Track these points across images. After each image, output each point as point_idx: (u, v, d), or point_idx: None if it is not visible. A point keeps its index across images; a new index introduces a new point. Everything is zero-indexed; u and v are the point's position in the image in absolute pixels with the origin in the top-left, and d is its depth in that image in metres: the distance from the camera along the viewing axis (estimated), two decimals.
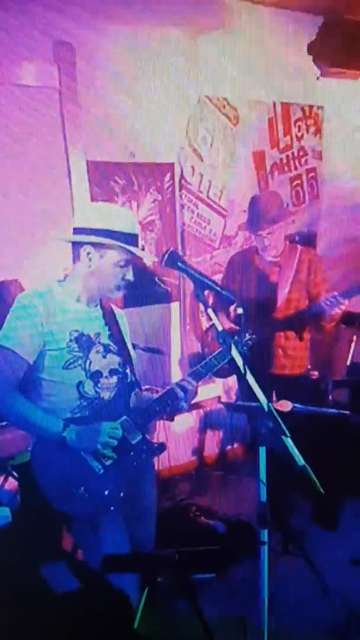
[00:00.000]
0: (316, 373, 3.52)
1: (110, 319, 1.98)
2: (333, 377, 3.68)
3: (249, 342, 2.25)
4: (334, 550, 2.95)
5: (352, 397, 3.66)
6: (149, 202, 3.48)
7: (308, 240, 4.12)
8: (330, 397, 3.62)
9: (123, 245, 1.81)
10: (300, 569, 2.77)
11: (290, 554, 2.88)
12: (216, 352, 1.93)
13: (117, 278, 1.86)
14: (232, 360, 1.89)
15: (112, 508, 1.85)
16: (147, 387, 2.06)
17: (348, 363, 3.83)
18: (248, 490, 3.20)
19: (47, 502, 1.83)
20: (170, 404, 1.93)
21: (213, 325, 1.79)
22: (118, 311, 2.05)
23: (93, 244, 1.82)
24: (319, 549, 2.93)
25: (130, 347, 2.04)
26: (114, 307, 2.05)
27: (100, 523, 1.86)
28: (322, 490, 1.84)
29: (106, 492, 1.83)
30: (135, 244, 1.85)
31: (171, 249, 1.79)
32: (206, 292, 1.77)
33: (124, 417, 1.91)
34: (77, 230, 1.86)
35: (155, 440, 2.02)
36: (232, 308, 2.79)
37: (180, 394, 1.90)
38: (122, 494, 1.87)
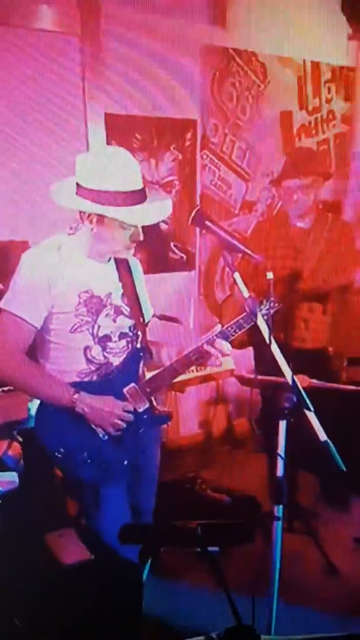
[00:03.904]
0: (331, 349, 3.41)
1: (124, 274, 1.87)
2: (349, 354, 3.57)
3: (272, 308, 2.11)
4: (341, 530, 2.89)
5: None
6: (168, 161, 3.33)
7: (333, 208, 3.95)
8: (344, 375, 3.52)
9: (118, 218, 1.67)
10: (306, 547, 2.71)
11: (295, 532, 2.82)
12: (244, 314, 1.82)
13: (124, 239, 1.75)
14: (253, 331, 1.80)
15: (115, 474, 1.83)
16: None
17: None
18: (255, 465, 3.15)
19: (52, 467, 1.79)
20: (197, 361, 1.86)
21: (232, 294, 1.68)
22: (132, 260, 1.92)
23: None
24: (326, 528, 2.88)
25: (144, 300, 1.95)
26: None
27: (103, 489, 1.84)
28: (343, 467, 1.79)
29: (110, 460, 1.81)
30: (142, 199, 1.70)
31: (198, 207, 1.66)
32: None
33: (132, 385, 1.85)
34: (79, 189, 1.70)
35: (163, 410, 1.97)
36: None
37: (213, 351, 1.82)
38: (126, 462, 1.85)
